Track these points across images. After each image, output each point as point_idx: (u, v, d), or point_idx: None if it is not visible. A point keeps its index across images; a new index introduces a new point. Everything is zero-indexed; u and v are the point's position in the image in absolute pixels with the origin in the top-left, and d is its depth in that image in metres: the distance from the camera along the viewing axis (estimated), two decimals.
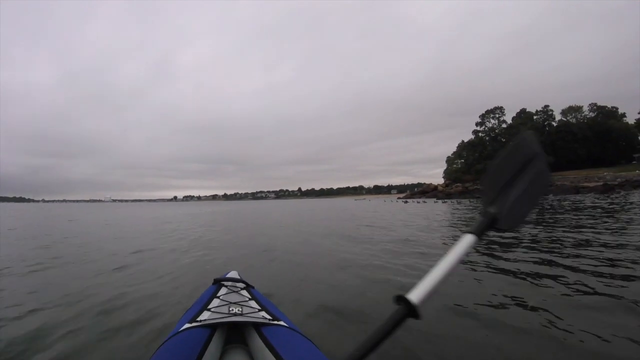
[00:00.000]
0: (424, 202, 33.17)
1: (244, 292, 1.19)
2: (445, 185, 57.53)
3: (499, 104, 65.03)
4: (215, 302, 1.06)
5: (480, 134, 63.81)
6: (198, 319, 0.93)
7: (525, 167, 0.62)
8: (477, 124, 65.10)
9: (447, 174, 67.53)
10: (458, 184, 52.29)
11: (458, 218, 10.16)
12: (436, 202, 31.81)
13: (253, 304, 1.07)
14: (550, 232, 5.49)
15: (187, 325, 0.88)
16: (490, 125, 63.24)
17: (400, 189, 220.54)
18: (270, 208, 28.37)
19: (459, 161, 65.85)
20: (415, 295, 0.45)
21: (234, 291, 1.18)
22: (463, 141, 67.10)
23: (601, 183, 31.70)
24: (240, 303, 1.06)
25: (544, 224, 6.80)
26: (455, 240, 0.53)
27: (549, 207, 13.36)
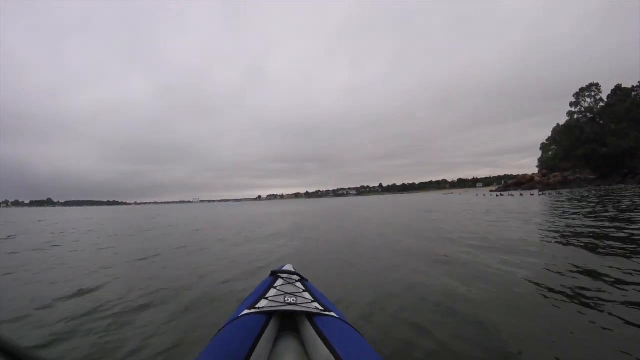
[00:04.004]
0: (521, 194, 32.63)
1: (299, 284, 1.38)
2: (542, 175, 57.43)
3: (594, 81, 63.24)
4: (272, 292, 1.25)
5: (575, 115, 62.81)
6: (256, 306, 1.09)
7: None
8: (571, 104, 63.40)
9: (542, 162, 66.90)
10: (556, 173, 52.47)
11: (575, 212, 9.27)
12: (532, 194, 31.48)
13: (306, 295, 1.24)
14: None
15: (246, 312, 1.04)
16: (587, 104, 62.10)
17: (486, 181, 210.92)
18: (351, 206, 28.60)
19: (554, 147, 64.58)
20: None
21: (289, 283, 1.38)
22: (558, 124, 65.26)
23: None
24: (294, 294, 1.23)
25: None
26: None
27: None
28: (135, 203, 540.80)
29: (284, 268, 1.63)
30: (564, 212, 9.54)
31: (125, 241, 7.55)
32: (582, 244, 4.58)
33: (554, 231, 6.04)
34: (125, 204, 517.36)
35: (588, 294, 2.64)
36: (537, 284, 2.96)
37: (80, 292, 3.19)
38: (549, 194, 30.96)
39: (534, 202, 17.62)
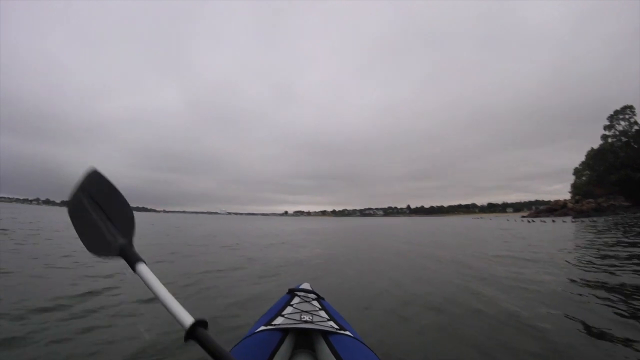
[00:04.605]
0: (553, 221, 32.70)
1: (315, 303, 1.40)
2: (575, 201, 55.87)
3: (628, 104, 61.65)
4: (288, 309, 1.27)
5: (609, 139, 61.45)
6: (273, 323, 1.11)
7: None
8: (605, 128, 62.18)
9: (575, 188, 65.36)
10: (590, 200, 50.92)
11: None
12: (565, 221, 31.03)
13: (322, 313, 1.26)
14: None
15: (262, 328, 1.07)
16: (621, 128, 60.67)
17: (517, 207, 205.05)
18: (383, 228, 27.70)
19: (587, 172, 63.28)
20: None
21: (306, 301, 1.40)
22: (592, 148, 64.05)
23: None
24: (311, 312, 1.24)
25: None
26: None
27: None
28: (164, 211, 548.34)
29: (301, 286, 1.66)
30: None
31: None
32: None
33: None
34: (154, 210, 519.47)
35: None
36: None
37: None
38: (582, 221, 30.21)
39: (576, 231, 16.20)
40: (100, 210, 0.77)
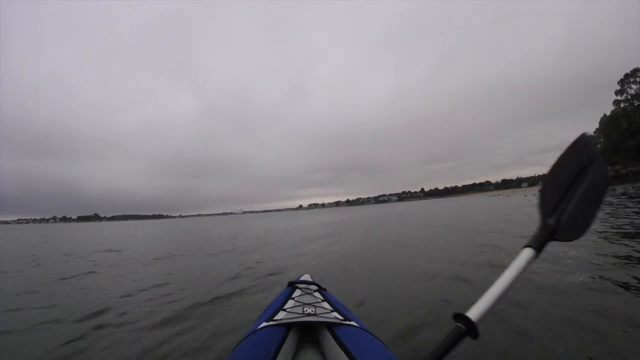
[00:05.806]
0: None
1: (317, 294, 1.38)
2: None
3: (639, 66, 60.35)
4: (290, 303, 1.25)
5: (622, 104, 60.52)
6: (275, 318, 1.09)
7: (583, 171, 0.68)
8: (616, 93, 61.31)
9: None
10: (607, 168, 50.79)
11: None
12: None
13: (325, 305, 1.24)
14: None
15: (264, 324, 1.04)
16: (633, 91, 59.67)
17: (532, 181, 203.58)
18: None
19: (602, 140, 62.51)
20: (473, 314, 0.48)
21: (307, 293, 1.39)
22: (605, 115, 63.11)
23: None
24: (313, 304, 1.23)
25: None
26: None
27: None
28: (180, 216, 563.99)
29: (302, 278, 1.63)
30: None
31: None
32: None
33: None
34: (170, 217, 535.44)
35: None
36: None
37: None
38: None
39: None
40: None
